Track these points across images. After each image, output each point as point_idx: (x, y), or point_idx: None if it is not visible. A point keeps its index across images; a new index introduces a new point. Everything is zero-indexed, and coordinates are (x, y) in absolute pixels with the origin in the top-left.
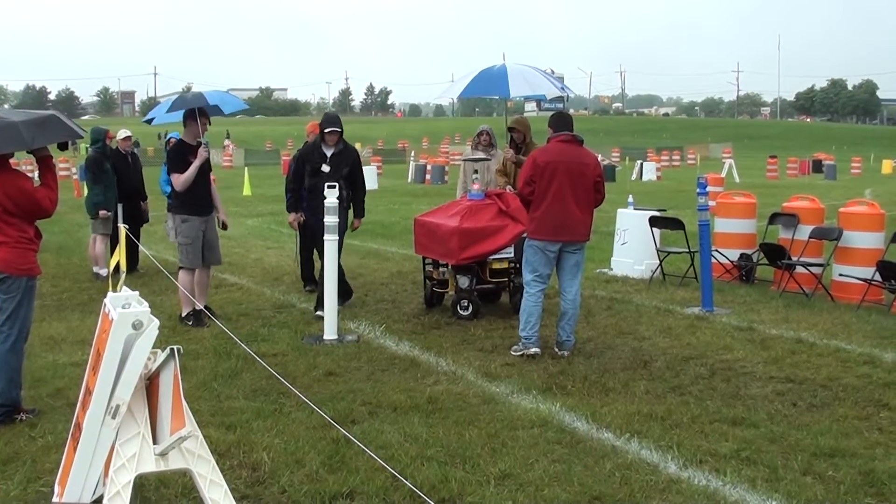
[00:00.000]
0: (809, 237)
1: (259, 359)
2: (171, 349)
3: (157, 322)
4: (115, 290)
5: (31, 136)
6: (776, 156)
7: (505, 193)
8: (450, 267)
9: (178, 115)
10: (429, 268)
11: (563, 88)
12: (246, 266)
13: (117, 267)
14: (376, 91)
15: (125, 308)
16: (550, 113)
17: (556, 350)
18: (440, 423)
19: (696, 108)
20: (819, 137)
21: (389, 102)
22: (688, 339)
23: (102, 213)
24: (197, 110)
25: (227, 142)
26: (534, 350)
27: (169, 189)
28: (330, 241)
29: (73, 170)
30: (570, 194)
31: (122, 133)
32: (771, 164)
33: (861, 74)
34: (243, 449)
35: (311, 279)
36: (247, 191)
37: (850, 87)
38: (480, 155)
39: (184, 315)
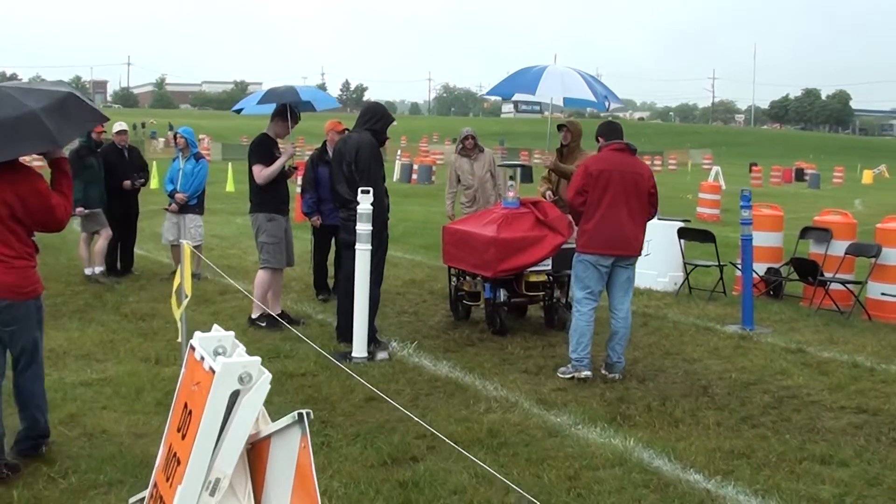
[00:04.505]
0: (846, 253)
1: (375, 390)
2: (300, 415)
3: (268, 375)
4: (178, 316)
5: (56, 127)
6: (756, 163)
7: (541, 202)
8: (480, 278)
9: (269, 108)
10: (456, 279)
11: (606, 98)
12: (248, 270)
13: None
14: (352, 87)
15: (220, 353)
16: (530, 116)
17: (606, 373)
18: (511, 462)
19: (671, 113)
20: (795, 146)
21: (365, 99)
22: (740, 362)
23: (79, 210)
24: (289, 108)
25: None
26: (585, 373)
27: (172, 187)
28: (362, 250)
29: None
30: (623, 206)
31: (118, 127)
32: (756, 172)
33: (835, 85)
34: None
35: (325, 287)
36: (230, 187)
37: (823, 97)
38: (514, 161)
39: (255, 317)
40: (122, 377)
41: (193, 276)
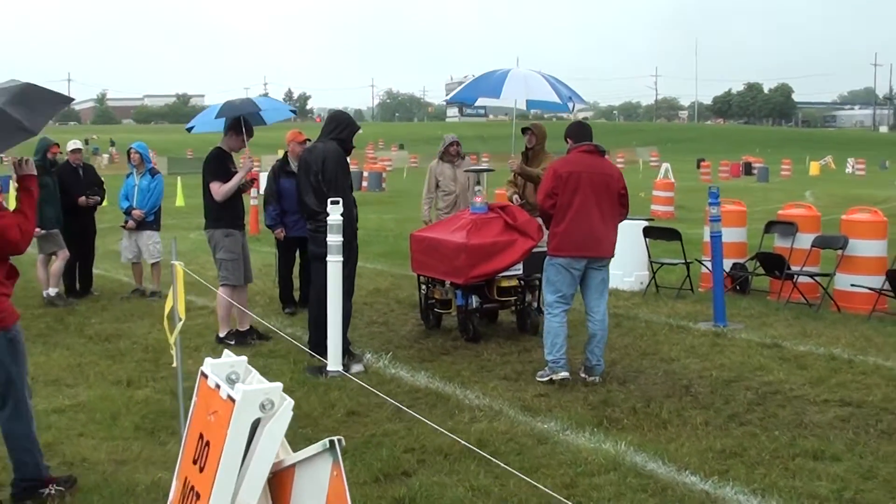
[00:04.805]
0: (812, 245)
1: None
2: (331, 442)
3: (290, 401)
4: (171, 341)
5: (25, 117)
6: (703, 159)
7: (510, 206)
8: (450, 285)
9: (220, 123)
10: (426, 287)
11: (570, 99)
12: (209, 286)
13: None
14: (295, 96)
15: (234, 380)
16: (476, 120)
17: (585, 376)
18: (505, 473)
19: (615, 112)
20: (740, 140)
21: (308, 108)
22: (718, 360)
23: (35, 230)
24: (243, 121)
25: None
26: (563, 374)
27: (127, 204)
28: (334, 262)
29: None
30: (594, 207)
31: (72, 145)
32: (704, 168)
33: (776, 78)
34: None
35: (291, 301)
36: (180, 201)
37: (766, 91)
38: (482, 165)
39: (223, 335)
40: (95, 402)
41: (152, 294)
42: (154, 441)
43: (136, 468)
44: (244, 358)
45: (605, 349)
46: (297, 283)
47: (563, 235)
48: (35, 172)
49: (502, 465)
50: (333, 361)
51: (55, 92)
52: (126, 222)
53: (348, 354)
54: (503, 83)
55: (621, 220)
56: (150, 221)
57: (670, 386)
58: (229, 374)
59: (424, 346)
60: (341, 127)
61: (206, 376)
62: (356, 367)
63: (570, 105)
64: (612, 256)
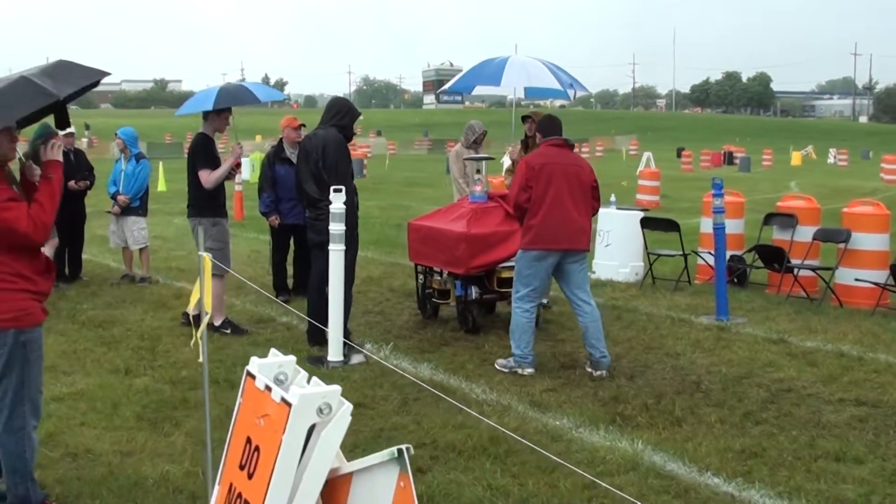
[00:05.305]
0: (814, 238)
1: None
2: (400, 450)
3: (349, 405)
4: (198, 335)
5: (50, 84)
6: (684, 148)
7: (509, 195)
8: (446, 274)
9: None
10: (424, 276)
11: (571, 85)
12: (196, 272)
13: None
14: (272, 82)
15: (282, 381)
16: (452, 107)
17: (592, 371)
18: (522, 471)
19: (592, 99)
20: (718, 129)
21: (285, 94)
22: (726, 356)
23: None
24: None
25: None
26: (528, 370)
27: (114, 189)
28: (335, 251)
29: None
30: (568, 199)
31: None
32: (686, 157)
33: (755, 67)
34: None
35: (285, 289)
36: (162, 186)
37: (744, 80)
38: (483, 154)
39: (218, 324)
40: (95, 390)
41: (141, 279)
42: (158, 432)
43: (141, 460)
44: (292, 358)
45: (607, 342)
46: (290, 270)
47: (538, 228)
48: (61, 158)
49: (551, 456)
50: (334, 352)
51: (90, 67)
52: (113, 207)
53: (348, 345)
54: (503, 71)
55: (594, 214)
56: (136, 207)
57: (679, 382)
58: (277, 375)
59: (424, 337)
60: (342, 113)
61: (253, 377)
62: (357, 358)
63: (571, 92)
64: (588, 250)
